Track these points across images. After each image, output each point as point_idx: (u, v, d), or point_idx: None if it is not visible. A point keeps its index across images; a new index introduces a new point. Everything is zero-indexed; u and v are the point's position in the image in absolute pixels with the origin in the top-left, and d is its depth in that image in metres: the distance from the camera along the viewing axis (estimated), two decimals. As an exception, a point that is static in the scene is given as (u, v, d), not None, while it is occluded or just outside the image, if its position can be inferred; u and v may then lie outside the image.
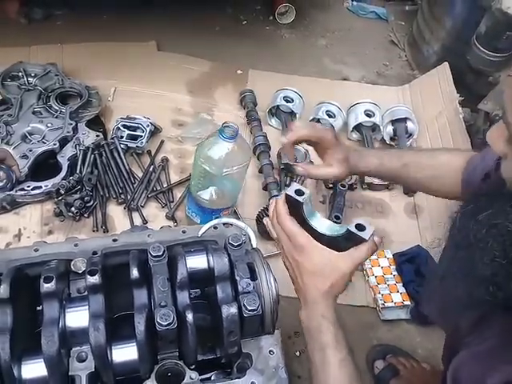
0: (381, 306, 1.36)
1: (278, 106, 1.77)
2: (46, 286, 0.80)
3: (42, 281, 0.80)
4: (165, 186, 1.55)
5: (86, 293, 0.87)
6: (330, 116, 1.75)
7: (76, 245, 0.96)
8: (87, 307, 0.83)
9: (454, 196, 1.05)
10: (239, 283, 0.86)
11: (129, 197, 1.49)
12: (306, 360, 1.24)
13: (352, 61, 2.25)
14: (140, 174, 1.56)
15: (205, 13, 2.22)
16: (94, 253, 0.95)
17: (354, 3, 2.56)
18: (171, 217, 1.47)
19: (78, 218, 1.41)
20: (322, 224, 0.84)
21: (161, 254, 0.87)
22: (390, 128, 1.78)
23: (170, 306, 0.81)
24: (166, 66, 1.95)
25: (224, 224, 1.04)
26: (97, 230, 1.41)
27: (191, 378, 0.82)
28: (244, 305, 0.82)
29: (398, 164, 1.07)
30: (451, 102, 1.81)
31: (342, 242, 0.80)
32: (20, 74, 1.70)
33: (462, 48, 1.91)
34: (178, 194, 1.55)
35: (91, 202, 1.44)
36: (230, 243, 0.91)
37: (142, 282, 0.84)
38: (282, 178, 1.60)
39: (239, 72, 2.01)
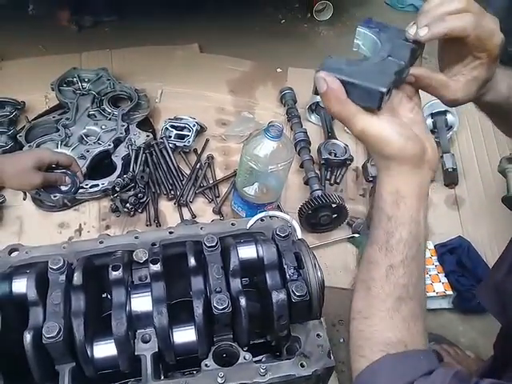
0: (424, 295, 1.39)
1: (317, 102, 1.81)
2: (114, 274, 0.89)
3: (110, 269, 0.89)
4: (211, 182, 1.63)
5: (147, 280, 0.96)
6: None
7: (136, 237, 1.05)
8: (150, 293, 0.91)
9: None
10: (287, 271, 0.92)
11: (178, 193, 1.57)
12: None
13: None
14: (188, 172, 1.64)
15: (244, 13, 2.29)
16: (153, 244, 1.03)
17: (392, -4, 2.56)
18: (218, 211, 1.55)
19: (132, 213, 1.51)
20: None
21: (214, 244, 0.94)
22: (429, 121, 1.78)
23: (225, 292, 0.88)
24: (208, 67, 2.03)
25: (270, 217, 1.11)
26: (150, 225, 1.50)
27: (245, 359, 0.89)
28: (293, 291, 0.88)
29: None
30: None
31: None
32: (74, 79, 1.82)
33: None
34: (223, 189, 1.63)
35: (144, 198, 1.53)
36: (277, 234, 0.97)
37: (198, 270, 0.92)
38: (322, 173, 1.64)
39: (279, 70, 2.07)
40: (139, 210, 1.53)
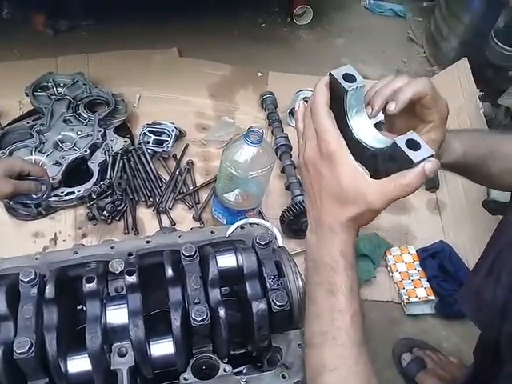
0: (405, 301, 1.38)
1: (298, 107, 1.80)
2: (88, 286, 0.86)
3: (84, 281, 0.86)
4: (191, 188, 1.61)
5: (124, 292, 0.93)
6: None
7: (112, 247, 1.02)
8: (126, 305, 0.88)
9: None
10: (267, 280, 0.90)
11: (157, 199, 1.54)
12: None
13: (370, 59, 2.26)
14: (167, 178, 1.61)
15: (223, 17, 2.27)
16: (130, 254, 1.00)
17: (371, 1, 2.57)
18: (198, 218, 1.52)
19: (109, 221, 1.48)
20: (364, 129, 0.66)
21: (193, 253, 0.92)
22: (410, 125, 1.79)
23: (204, 303, 0.86)
24: (187, 72, 2.00)
25: (250, 224, 1.08)
26: (128, 233, 1.47)
27: (225, 371, 0.86)
28: (273, 301, 0.86)
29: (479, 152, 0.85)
30: (471, 97, 1.81)
31: (381, 161, 0.63)
32: (50, 84, 1.77)
33: (480, 43, 1.91)
34: (203, 195, 1.60)
35: (122, 206, 1.50)
36: (257, 242, 0.95)
37: (176, 281, 0.89)
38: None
39: (259, 74, 2.05)
40: (117, 218, 1.49)
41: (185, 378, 0.85)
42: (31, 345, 0.78)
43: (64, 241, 1.44)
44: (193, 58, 2.08)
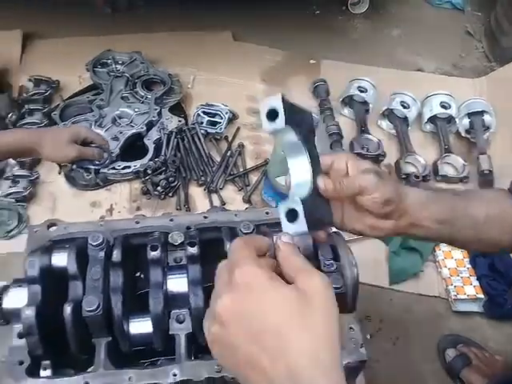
0: (453, 297, 1.37)
1: (351, 95, 1.80)
2: (153, 254, 0.89)
3: (148, 249, 0.89)
4: (241, 170, 1.63)
5: (182, 262, 0.97)
6: (404, 107, 1.76)
7: (171, 220, 1.05)
8: (186, 275, 0.91)
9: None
10: (322, 263, 0.91)
11: (208, 179, 1.58)
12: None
13: (426, 52, 2.22)
14: (218, 159, 1.64)
15: (279, 3, 2.27)
16: (188, 227, 1.03)
17: (430, -7, 2.52)
18: (247, 200, 1.55)
19: (163, 196, 1.52)
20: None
21: (250, 231, 0.94)
22: (466, 121, 1.75)
23: (261, 279, 0.88)
24: (241, 55, 2.02)
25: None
26: (180, 209, 1.51)
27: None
28: (330, 283, 0.87)
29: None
30: (531, 95, 1.76)
31: None
32: (109, 61, 1.83)
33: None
34: (253, 178, 1.63)
35: (175, 183, 1.54)
36: (314, 224, 0.96)
37: (235, 255, 0.92)
38: (354, 167, 1.63)
39: (312, 62, 2.05)
40: (170, 194, 1.54)
41: (239, 349, 0.88)
42: (99, 304, 0.82)
43: (119, 212, 1.50)
44: (247, 42, 2.09)
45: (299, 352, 0.43)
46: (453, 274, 1.42)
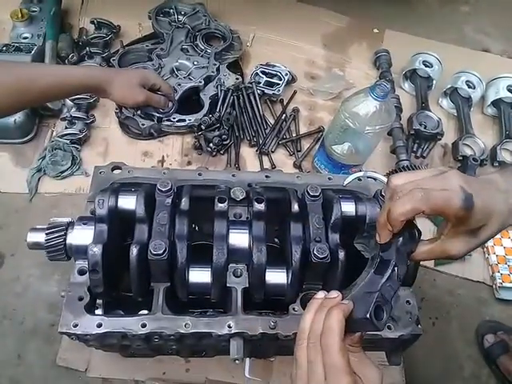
0: (498, 284, 1.35)
1: (414, 69, 1.73)
2: (220, 206, 0.90)
3: (216, 201, 0.90)
4: (294, 135, 1.61)
5: (242, 218, 0.97)
6: (469, 87, 1.69)
7: (234, 175, 1.05)
8: (247, 231, 0.92)
9: None
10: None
11: (261, 141, 1.56)
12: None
13: (495, 32, 2.11)
14: (271, 121, 1.62)
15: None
16: (249, 184, 1.04)
17: (505, -31, 2.37)
18: (298, 165, 1.53)
19: (214, 153, 1.52)
20: None
21: (318, 194, 0.93)
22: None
23: (325, 242, 0.88)
24: (303, 18, 1.96)
25: (368, 177, 1.08)
26: (230, 167, 1.50)
27: (333, 311, 0.89)
28: (394, 254, 0.86)
29: None
30: None
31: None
32: (171, 10, 1.80)
33: None
34: (305, 144, 1.60)
35: (227, 141, 1.53)
36: (382, 195, 0.95)
37: (299, 217, 0.91)
38: (410, 144, 1.59)
39: (375, 31, 1.98)
40: (221, 152, 1.53)
41: (294, 309, 0.89)
42: (165, 249, 0.84)
43: (170, 164, 1.50)
44: (310, 4, 2.02)
45: None
46: (500, 262, 1.39)
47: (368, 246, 0.72)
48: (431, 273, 1.39)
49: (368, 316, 0.58)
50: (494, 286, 1.37)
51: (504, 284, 1.35)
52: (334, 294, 0.65)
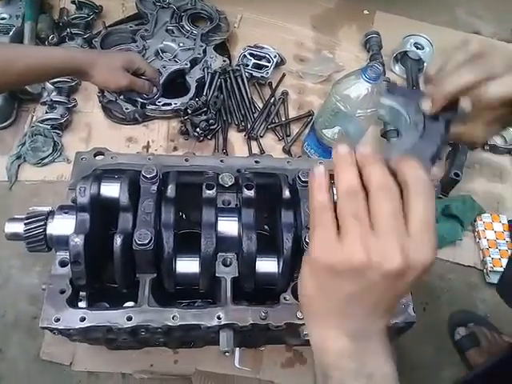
0: (489, 269, 1.34)
1: (405, 51, 1.70)
2: (208, 193, 0.86)
3: (204, 187, 0.86)
4: (283, 119, 1.57)
5: (231, 205, 0.94)
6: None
7: (222, 161, 1.02)
8: (237, 218, 0.89)
9: None
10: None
11: (249, 125, 1.52)
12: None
13: (487, 15, 2.08)
14: (260, 105, 1.58)
15: None
16: (238, 170, 1.00)
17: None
18: (288, 150, 1.50)
19: (201, 138, 1.47)
20: None
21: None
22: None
23: (316, 230, 0.85)
24: (292, -2, 1.91)
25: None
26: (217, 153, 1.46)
27: (325, 300, 0.86)
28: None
29: None
30: None
31: None
32: (155, -10, 1.73)
33: None
34: (295, 129, 1.57)
35: (215, 125, 1.49)
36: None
37: (290, 204, 0.88)
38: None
39: (365, 12, 1.94)
40: (208, 137, 1.49)
41: (285, 298, 0.86)
42: (151, 238, 0.80)
43: (156, 150, 1.46)
44: (297, -16, 1.97)
45: None
46: (491, 246, 1.38)
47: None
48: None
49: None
50: (484, 271, 1.36)
51: (495, 268, 1.34)
52: (364, 148, 0.48)
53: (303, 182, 0.90)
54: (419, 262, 0.42)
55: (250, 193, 0.86)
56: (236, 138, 1.52)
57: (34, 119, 1.46)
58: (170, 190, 0.85)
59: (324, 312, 0.49)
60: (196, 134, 1.47)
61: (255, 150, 1.50)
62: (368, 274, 0.43)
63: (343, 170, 0.47)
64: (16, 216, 0.86)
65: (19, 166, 1.37)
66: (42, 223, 0.84)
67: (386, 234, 0.43)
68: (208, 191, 0.86)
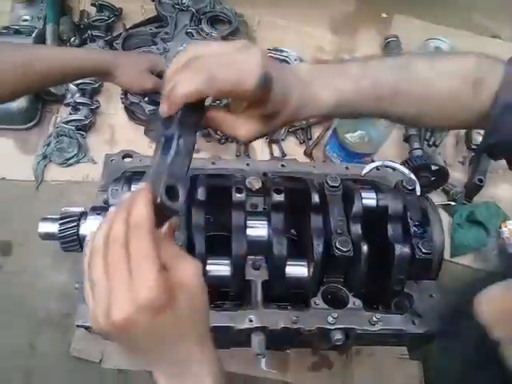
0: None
1: (426, 56, 1.69)
2: (238, 196, 0.86)
3: (234, 191, 0.87)
4: (304, 122, 1.57)
5: (259, 209, 0.94)
6: None
7: (248, 164, 1.02)
8: (266, 222, 0.89)
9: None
10: (411, 226, 0.88)
11: (270, 128, 1.52)
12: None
13: (504, 18, 2.07)
14: (281, 108, 1.58)
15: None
16: (265, 174, 1.00)
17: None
18: (309, 154, 1.50)
19: (223, 141, 1.48)
20: None
21: (337, 184, 0.90)
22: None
23: (347, 235, 0.85)
24: (311, 1, 1.90)
25: (386, 167, 1.05)
26: (239, 156, 1.46)
27: (354, 304, 0.86)
28: (418, 247, 0.83)
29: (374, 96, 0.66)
30: None
31: None
32: (175, -8, 1.74)
33: None
34: (315, 132, 1.57)
35: (236, 128, 1.49)
36: (403, 186, 0.92)
37: (319, 209, 0.88)
38: (422, 132, 1.55)
39: (384, 15, 1.93)
40: (230, 140, 1.49)
41: (315, 303, 0.86)
42: (183, 241, 0.80)
43: (177, 152, 1.46)
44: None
45: None
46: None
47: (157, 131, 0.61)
48: (448, 265, 1.37)
49: (159, 201, 0.50)
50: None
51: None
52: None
53: (331, 186, 0.89)
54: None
55: (280, 197, 0.86)
56: (257, 141, 1.51)
57: (58, 120, 1.47)
58: (200, 193, 0.86)
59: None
60: (218, 136, 1.48)
61: (276, 153, 1.50)
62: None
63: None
64: (49, 216, 0.87)
65: (45, 166, 1.39)
66: (76, 224, 0.84)
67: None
68: (238, 195, 0.86)
